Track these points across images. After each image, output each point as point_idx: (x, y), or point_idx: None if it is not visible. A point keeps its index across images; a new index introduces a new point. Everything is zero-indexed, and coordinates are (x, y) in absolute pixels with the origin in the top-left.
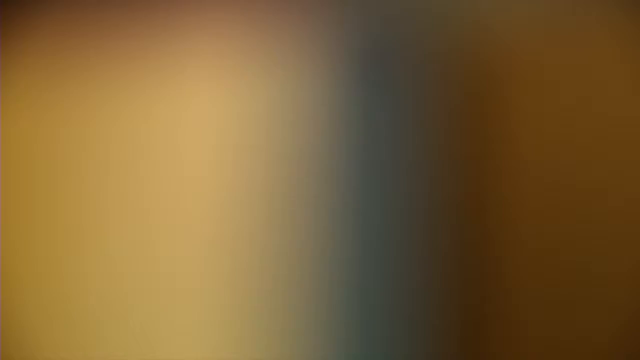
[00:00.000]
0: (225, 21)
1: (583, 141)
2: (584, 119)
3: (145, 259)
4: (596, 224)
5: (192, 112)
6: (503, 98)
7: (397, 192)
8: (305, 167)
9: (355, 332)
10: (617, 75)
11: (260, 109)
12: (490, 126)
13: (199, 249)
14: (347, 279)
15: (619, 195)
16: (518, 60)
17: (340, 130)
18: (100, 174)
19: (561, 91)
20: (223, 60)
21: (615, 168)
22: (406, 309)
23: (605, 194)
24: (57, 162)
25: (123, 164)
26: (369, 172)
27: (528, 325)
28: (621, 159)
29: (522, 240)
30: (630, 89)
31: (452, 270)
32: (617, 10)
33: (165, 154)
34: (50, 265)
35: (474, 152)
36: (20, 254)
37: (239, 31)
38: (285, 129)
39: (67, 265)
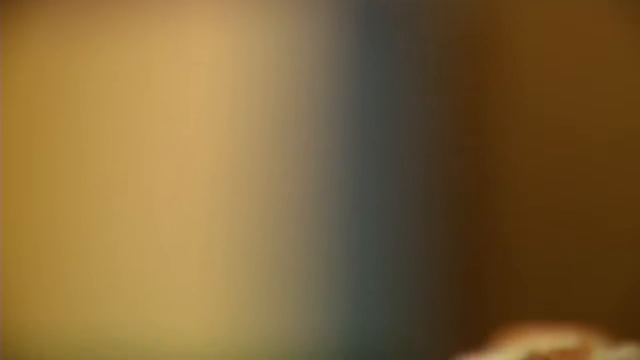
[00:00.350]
0: None
1: (585, 91)
2: (585, 72)
3: (143, 226)
4: (598, 176)
5: (191, 61)
6: (504, 47)
7: (395, 147)
8: (302, 121)
9: (355, 297)
10: (617, 34)
11: (259, 60)
12: (489, 78)
13: (197, 211)
14: (346, 240)
15: (622, 143)
16: (518, 14)
17: (338, 81)
18: (100, 130)
19: (560, 46)
20: (223, 9)
21: (617, 120)
22: (405, 272)
23: (606, 146)
24: (57, 113)
25: (122, 117)
26: (366, 125)
27: (528, 284)
28: (623, 108)
29: (521, 194)
30: (631, 42)
31: (451, 229)
32: None
33: (164, 106)
34: (49, 237)
35: (472, 104)
36: (19, 224)
37: None
38: (283, 81)
39: (65, 235)
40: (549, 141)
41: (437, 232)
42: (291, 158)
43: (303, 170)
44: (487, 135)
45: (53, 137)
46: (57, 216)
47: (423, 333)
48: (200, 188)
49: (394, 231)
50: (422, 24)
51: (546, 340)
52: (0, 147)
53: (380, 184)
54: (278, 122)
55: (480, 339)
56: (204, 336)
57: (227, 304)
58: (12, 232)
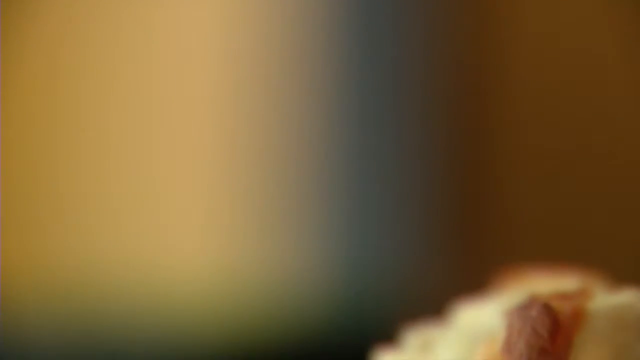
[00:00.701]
0: None
1: (591, 19)
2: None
3: (142, 155)
4: (600, 113)
5: (193, 12)
6: None
7: (396, 77)
8: (302, 52)
9: (353, 233)
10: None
11: (259, 8)
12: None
13: (197, 141)
14: (345, 177)
15: (626, 81)
16: None
17: (341, 22)
18: (101, 70)
19: None
20: None
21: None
22: (403, 211)
23: (609, 82)
24: (59, 60)
25: (124, 61)
26: (366, 56)
27: (527, 226)
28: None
29: (522, 132)
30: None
31: (451, 168)
32: None
33: (165, 51)
34: (48, 165)
35: (474, 34)
36: (18, 158)
37: None
38: (283, 21)
39: (64, 165)
40: (550, 78)
41: (437, 171)
42: (291, 93)
43: (303, 102)
44: (487, 70)
45: (56, 77)
46: (57, 149)
47: (420, 275)
48: (200, 120)
49: (392, 167)
50: None
51: (546, 283)
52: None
53: (379, 119)
54: (278, 60)
55: (480, 282)
56: (204, 265)
57: (227, 235)
58: (11, 164)
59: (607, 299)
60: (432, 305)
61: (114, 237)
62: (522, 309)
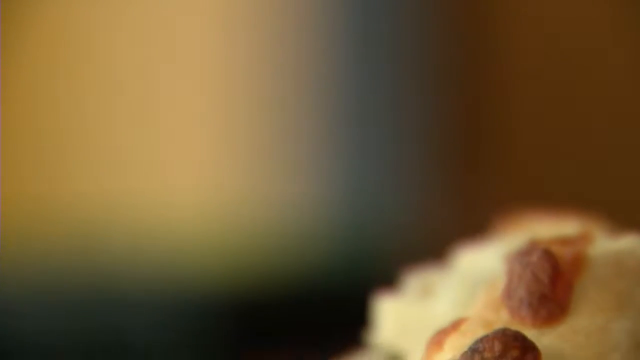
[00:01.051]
0: None
1: None
2: None
3: (142, 92)
4: (603, 50)
5: None
6: None
7: (395, 10)
8: None
9: (355, 169)
10: None
11: None
12: None
13: (196, 77)
14: (346, 108)
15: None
16: None
17: None
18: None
19: None
20: None
21: None
22: (403, 146)
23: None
24: None
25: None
26: None
27: (528, 168)
28: None
29: (523, 61)
30: None
31: (452, 100)
32: None
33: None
34: (50, 99)
35: None
36: (17, 84)
37: None
38: None
39: (65, 100)
40: (553, 14)
41: (438, 111)
42: (289, 31)
43: (302, 39)
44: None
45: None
46: (59, 83)
47: (421, 218)
48: (200, 56)
49: (392, 107)
50: None
51: (547, 227)
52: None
53: (378, 53)
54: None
55: (480, 225)
56: (202, 202)
57: (227, 172)
58: (13, 98)
59: (608, 244)
60: (433, 248)
61: (113, 173)
62: (523, 255)
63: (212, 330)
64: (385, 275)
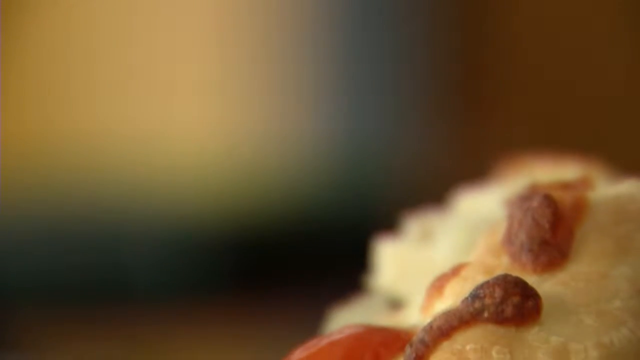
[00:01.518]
0: None
1: None
2: None
3: (142, 27)
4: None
5: None
6: None
7: None
8: None
9: (355, 110)
10: None
11: None
12: None
13: (197, 12)
14: (346, 48)
15: None
16: None
17: None
18: None
19: None
20: None
21: None
22: (405, 86)
23: None
24: None
25: None
26: None
27: (529, 113)
28: None
29: (519, 8)
30: None
31: (454, 44)
32: None
33: None
34: (49, 39)
35: None
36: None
37: None
38: None
39: (65, 40)
40: None
41: (438, 55)
42: None
43: None
44: None
45: None
46: (58, 21)
47: (421, 162)
48: None
49: (394, 50)
50: None
51: (547, 171)
52: None
53: None
54: None
55: (480, 168)
56: (203, 137)
57: (228, 108)
58: (14, 40)
59: (608, 189)
60: (433, 192)
61: (115, 111)
62: (523, 200)
63: (212, 267)
64: (385, 219)
